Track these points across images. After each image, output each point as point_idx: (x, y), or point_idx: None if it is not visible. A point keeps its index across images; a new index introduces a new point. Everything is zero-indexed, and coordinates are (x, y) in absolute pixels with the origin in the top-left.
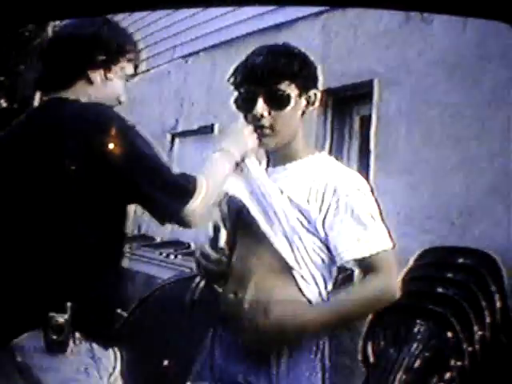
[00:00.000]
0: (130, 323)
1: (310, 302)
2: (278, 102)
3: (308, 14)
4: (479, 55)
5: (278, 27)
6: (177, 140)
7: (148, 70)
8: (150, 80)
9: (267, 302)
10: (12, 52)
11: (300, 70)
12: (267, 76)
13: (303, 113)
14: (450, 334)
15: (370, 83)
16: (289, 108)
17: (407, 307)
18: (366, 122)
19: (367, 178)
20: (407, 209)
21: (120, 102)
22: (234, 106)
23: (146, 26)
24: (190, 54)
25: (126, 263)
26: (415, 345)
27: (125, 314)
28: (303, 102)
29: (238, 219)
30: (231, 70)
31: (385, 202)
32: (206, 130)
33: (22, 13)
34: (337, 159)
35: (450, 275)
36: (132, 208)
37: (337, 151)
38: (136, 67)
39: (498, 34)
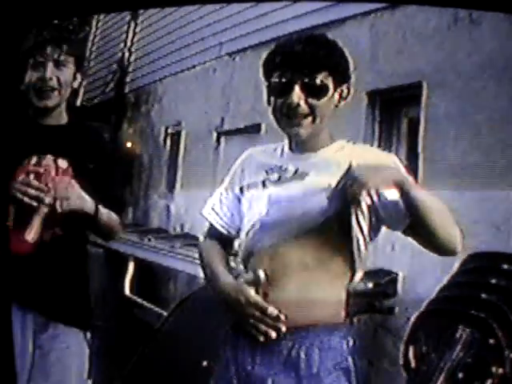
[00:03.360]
0: (171, 322)
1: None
2: (316, 91)
3: (356, 13)
4: None
5: (326, 26)
6: (223, 139)
7: (194, 67)
8: (195, 77)
9: (305, 302)
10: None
11: (338, 62)
12: (307, 64)
13: (336, 106)
14: (492, 341)
15: (418, 85)
16: (326, 98)
17: (450, 312)
18: (414, 124)
19: (415, 181)
20: (453, 213)
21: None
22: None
23: (192, 22)
24: (237, 52)
25: (168, 262)
26: (457, 350)
27: (165, 313)
28: (336, 96)
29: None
30: (264, 59)
31: None
32: (253, 129)
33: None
34: None
35: (493, 281)
36: (175, 207)
37: None
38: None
39: None
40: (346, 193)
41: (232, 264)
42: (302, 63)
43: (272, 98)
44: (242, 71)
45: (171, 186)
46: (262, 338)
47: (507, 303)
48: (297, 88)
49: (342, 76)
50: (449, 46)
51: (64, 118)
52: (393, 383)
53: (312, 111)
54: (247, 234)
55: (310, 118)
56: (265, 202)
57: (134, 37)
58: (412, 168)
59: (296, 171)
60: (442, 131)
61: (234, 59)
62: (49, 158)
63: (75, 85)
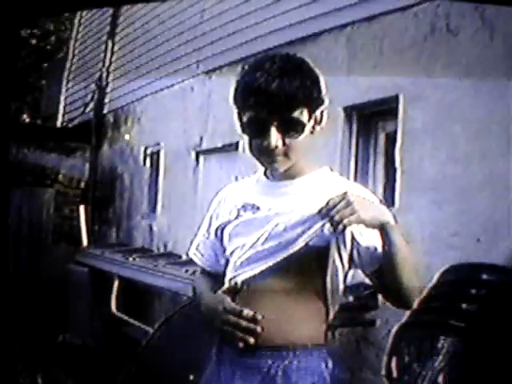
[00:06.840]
0: (157, 338)
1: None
2: (293, 131)
3: (333, 26)
4: (506, 68)
5: (302, 40)
6: (201, 157)
7: (172, 86)
8: (173, 96)
9: (285, 322)
10: (33, 67)
11: (311, 92)
12: (282, 104)
13: (311, 133)
14: (472, 350)
15: (395, 98)
16: (303, 135)
17: (431, 323)
18: (391, 138)
19: (393, 195)
20: (432, 226)
21: None
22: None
23: (168, 40)
24: (214, 70)
25: (152, 280)
26: (438, 360)
27: (151, 330)
28: (311, 122)
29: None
30: (235, 88)
31: (410, 219)
32: (231, 148)
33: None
34: (362, 176)
35: (473, 291)
36: (158, 226)
37: (362, 168)
38: None
39: None
40: (333, 216)
41: None
42: (277, 103)
43: (246, 134)
44: (219, 89)
45: (153, 206)
46: (240, 345)
47: (487, 313)
48: (273, 130)
49: (315, 104)
50: (426, 57)
51: None
52: None
53: (289, 149)
54: (229, 267)
55: (287, 155)
56: (241, 237)
57: (111, 56)
58: (390, 182)
59: (269, 209)
60: (418, 144)
61: (210, 77)
62: None
63: None
